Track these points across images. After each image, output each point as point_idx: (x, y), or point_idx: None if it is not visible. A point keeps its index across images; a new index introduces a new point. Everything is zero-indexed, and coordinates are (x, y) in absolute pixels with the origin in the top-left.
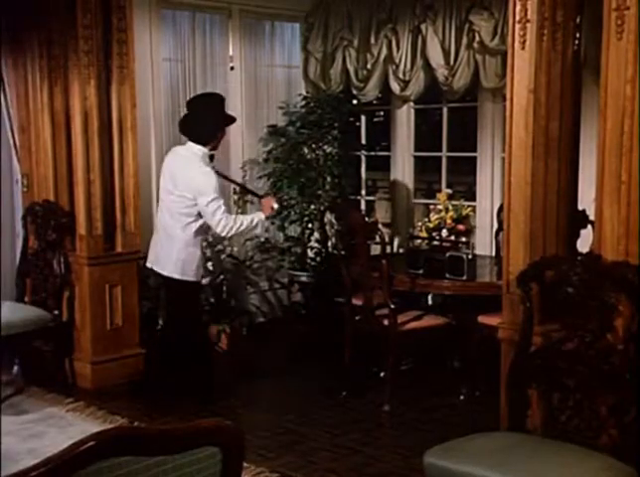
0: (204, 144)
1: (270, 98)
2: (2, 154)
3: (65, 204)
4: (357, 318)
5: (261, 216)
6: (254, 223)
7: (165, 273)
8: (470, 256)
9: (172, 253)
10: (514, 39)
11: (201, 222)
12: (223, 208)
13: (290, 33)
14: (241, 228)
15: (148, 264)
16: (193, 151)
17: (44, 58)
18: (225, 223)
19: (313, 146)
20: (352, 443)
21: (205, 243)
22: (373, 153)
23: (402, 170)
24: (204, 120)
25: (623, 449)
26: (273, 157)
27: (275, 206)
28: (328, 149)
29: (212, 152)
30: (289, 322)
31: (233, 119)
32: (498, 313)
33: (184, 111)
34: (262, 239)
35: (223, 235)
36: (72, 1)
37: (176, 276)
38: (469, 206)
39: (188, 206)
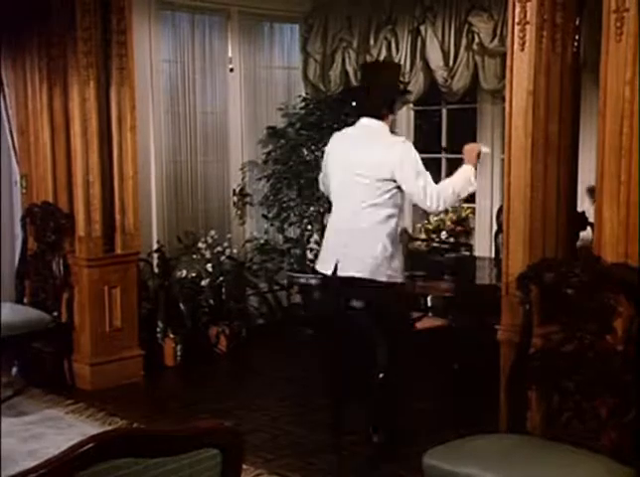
0: (381, 118)
1: (270, 100)
2: (1, 156)
3: (64, 205)
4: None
5: (469, 166)
6: (466, 177)
7: (361, 275)
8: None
9: (374, 253)
10: (513, 40)
11: (398, 209)
12: (430, 178)
13: (289, 34)
14: (458, 191)
15: (327, 272)
16: (372, 126)
17: (43, 59)
18: (439, 194)
19: (313, 147)
20: (351, 445)
21: (204, 245)
22: None
23: None
24: (384, 90)
25: (623, 451)
26: (273, 159)
27: (484, 149)
28: None
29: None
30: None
31: (408, 91)
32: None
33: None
34: (262, 241)
35: (441, 208)
36: (71, 2)
37: (382, 279)
38: (468, 207)
39: (387, 190)
